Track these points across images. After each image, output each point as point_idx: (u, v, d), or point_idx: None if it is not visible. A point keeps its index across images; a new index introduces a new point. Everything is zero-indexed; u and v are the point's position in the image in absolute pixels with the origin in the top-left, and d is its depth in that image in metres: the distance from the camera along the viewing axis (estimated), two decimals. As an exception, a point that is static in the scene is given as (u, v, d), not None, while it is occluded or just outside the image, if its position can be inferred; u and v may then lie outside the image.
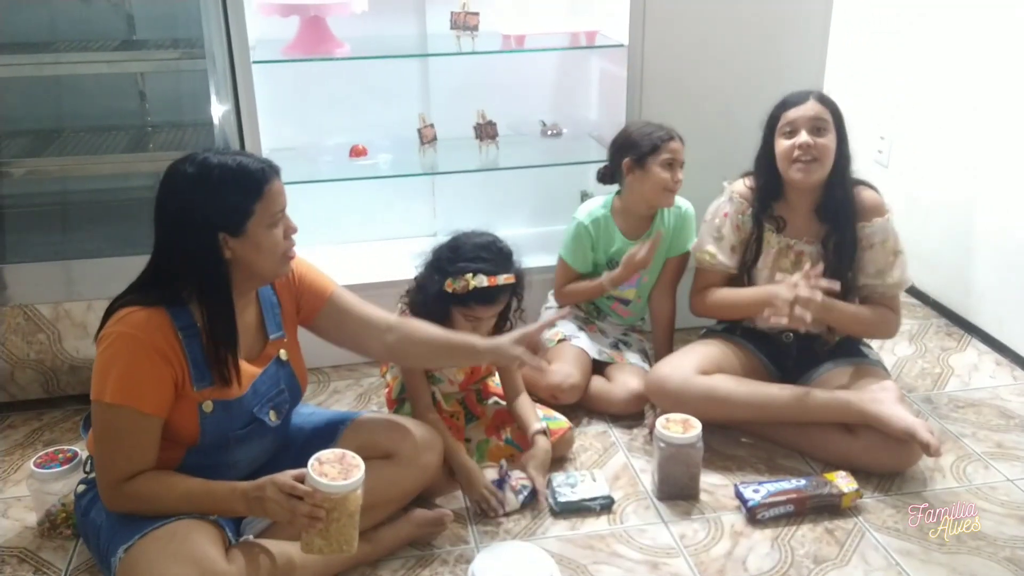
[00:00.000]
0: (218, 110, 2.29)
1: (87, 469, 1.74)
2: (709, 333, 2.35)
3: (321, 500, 1.49)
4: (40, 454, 1.90)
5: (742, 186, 2.24)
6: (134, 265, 2.35)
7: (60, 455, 1.89)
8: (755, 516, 1.93)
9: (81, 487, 1.72)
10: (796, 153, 2.08)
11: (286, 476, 1.53)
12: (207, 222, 1.57)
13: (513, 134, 2.80)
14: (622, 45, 2.52)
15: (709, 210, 2.28)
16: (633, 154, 2.29)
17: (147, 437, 1.57)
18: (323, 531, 1.51)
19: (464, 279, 1.92)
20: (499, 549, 1.79)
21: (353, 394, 2.44)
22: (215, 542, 1.56)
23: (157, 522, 1.56)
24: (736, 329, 2.29)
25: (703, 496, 2.02)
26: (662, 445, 1.98)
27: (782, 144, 2.11)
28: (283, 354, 1.77)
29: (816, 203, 2.16)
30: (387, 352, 1.88)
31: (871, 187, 2.20)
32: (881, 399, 2.04)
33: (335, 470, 1.51)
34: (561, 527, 1.93)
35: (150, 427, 1.57)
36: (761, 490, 1.97)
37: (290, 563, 1.64)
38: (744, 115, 2.25)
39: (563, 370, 2.29)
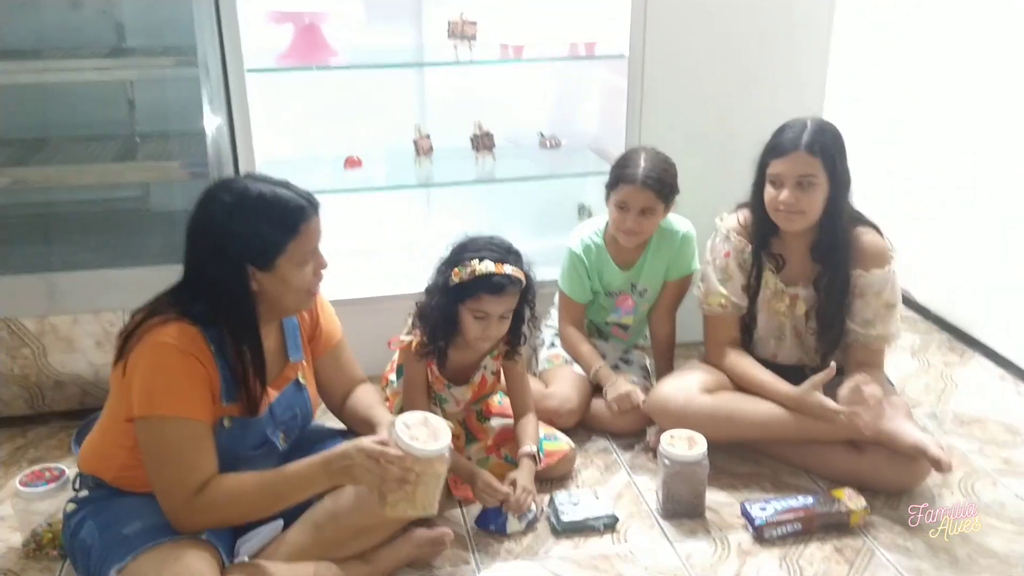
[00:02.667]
0: (211, 120, 2.25)
1: (76, 487, 1.67)
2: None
3: (412, 463, 1.51)
4: (26, 472, 1.83)
5: (736, 223, 2.17)
6: (122, 278, 2.30)
7: (47, 473, 1.83)
8: (762, 535, 1.89)
9: (71, 506, 1.65)
10: (779, 206, 2.03)
11: (371, 441, 1.55)
12: (237, 253, 1.54)
13: (511, 145, 2.77)
14: (622, 56, 2.49)
15: (707, 252, 2.21)
16: (607, 184, 2.28)
17: (206, 443, 1.54)
18: (408, 494, 1.53)
19: (470, 265, 1.88)
20: (501, 570, 1.73)
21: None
22: (211, 562, 1.50)
23: (150, 542, 1.50)
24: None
25: (709, 514, 1.97)
26: (667, 462, 1.94)
27: (769, 192, 2.05)
28: (301, 377, 1.74)
29: (811, 243, 2.10)
30: (336, 413, 1.90)
31: (875, 228, 2.11)
32: (889, 415, 2.00)
33: (423, 433, 1.54)
34: (564, 547, 1.87)
35: (205, 433, 1.54)
36: (768, 508, 1.92)
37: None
38: (746, 126, 2.22)
39: (561, 394, 2.25)
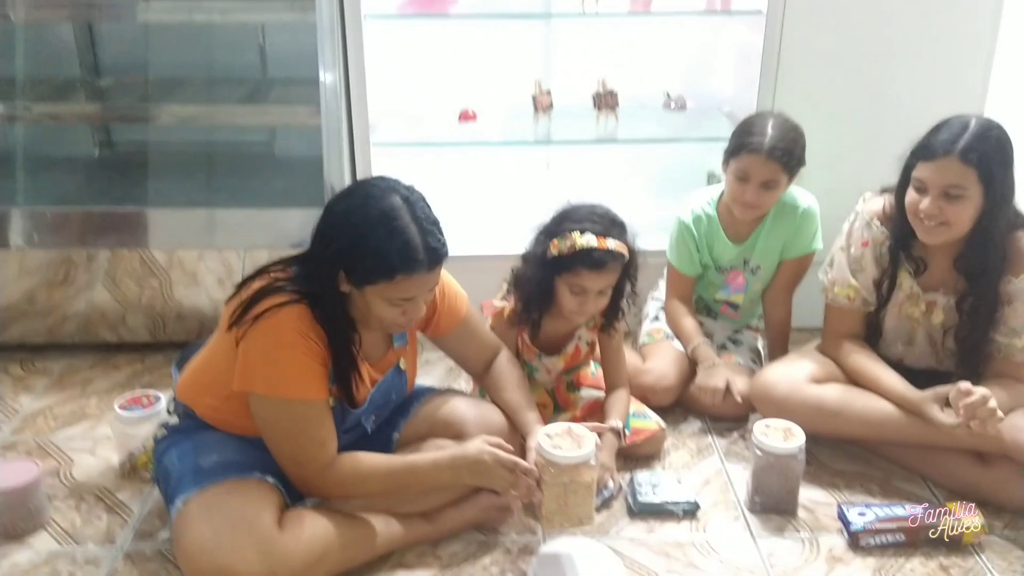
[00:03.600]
0: (326, 66, 2.25)
1: (170, 410, 1.74)
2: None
3: (557, 473, 1.52)
4: (126, 396, 1.92)
5: (881, 209, 1.93)
6: (247, 218, 2.32)
7: (144, 399, 1.91)
8: (858, 542, 1.73)
9: (161, 431, 1.71)
10: (921, 215, 1.80)
11: (500, 452, 1.57)
12: (337, 255, 1.51)
13: (634, 105, 2.64)
14: (759, 12, 2.30)
15: (842, 236, 1.99)
16: (726, 150, 2.10)
17: (328, 420, 1.57)
18: (561, 505, 1.54)
19: (570, 237, 1.78)
20: (565, 545, 1.67)
21: (444, 367, 2.37)
22: (271, 506, 1.52)
23: (219, 477, 1.54)
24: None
25: (801, 513, 1.83)
26: (759, 453, 1.80)
27: (911, 196, 1.81)
28: (403, 363, 1.74)
29: (956, 254, 1.86)
30: (477, 381, 1.94)
31: None
32: (1022, 427, 1.78)
33: (567, 443, 1.54)
34: (637, 529, 1.79)
35: (326, 410, 1.57)
36: (868, 514, 1.75)
37: (351, 535, 1.58)
38: (894, 96, 2.01)
39: (658, 370, 2.14)
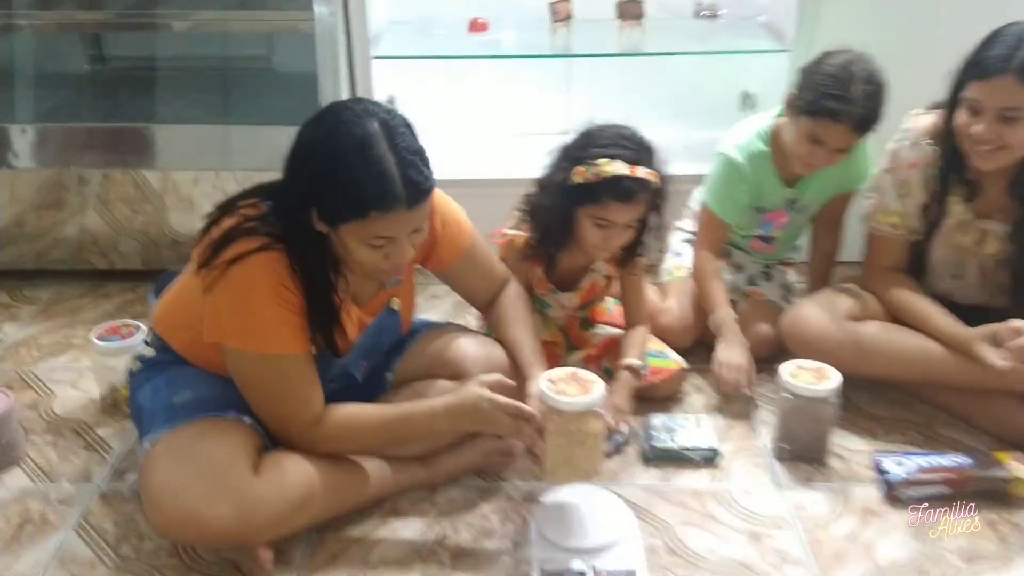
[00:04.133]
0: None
1: (148, 341, 1.60)
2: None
3: (561, 422, 1.37)
4: (105, 325, 1.80)
5: (931, 125, 1.72)
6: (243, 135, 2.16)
7: (124, 328, 1.78)
8: (896, 494, 1.57)
9: (137, 364, 1.58)
10: (973, 139, 1.59)
11: (501, 397, 1.40)
12: (307, 188, 1.33)
13: (662, 15, 2.41)
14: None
15: (887, 158, 1.77)
16: (798, 94, 1.78)
17: (311, 374, 1.42)
18: (565, 457, 1.39)
19: (596, 164, 1.59)
20: (572, 493, 1.53)
21: (452, 301, 2.21)
22: (247, 448, 1.39)
23: (192, 416, 1.41)
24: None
25: (832, 461, 1.67)
26: (787, 396, 1.64)
27: (962, 117, 1.61)
28: (396, 303, 1.57)
29: (1013, 177, 1.66)
30: (483, 315, 1.76)
31: None
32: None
33: (572, 388, 1.38)
34: (651, 476, 1.64)
35: (308, 363, 1.42)
36: (908, 463, 1.59)
37: (337, 480, 1.45)
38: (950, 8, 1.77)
39: (678, 310, 1.96)
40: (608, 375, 1.78)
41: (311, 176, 1.32)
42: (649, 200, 1.65)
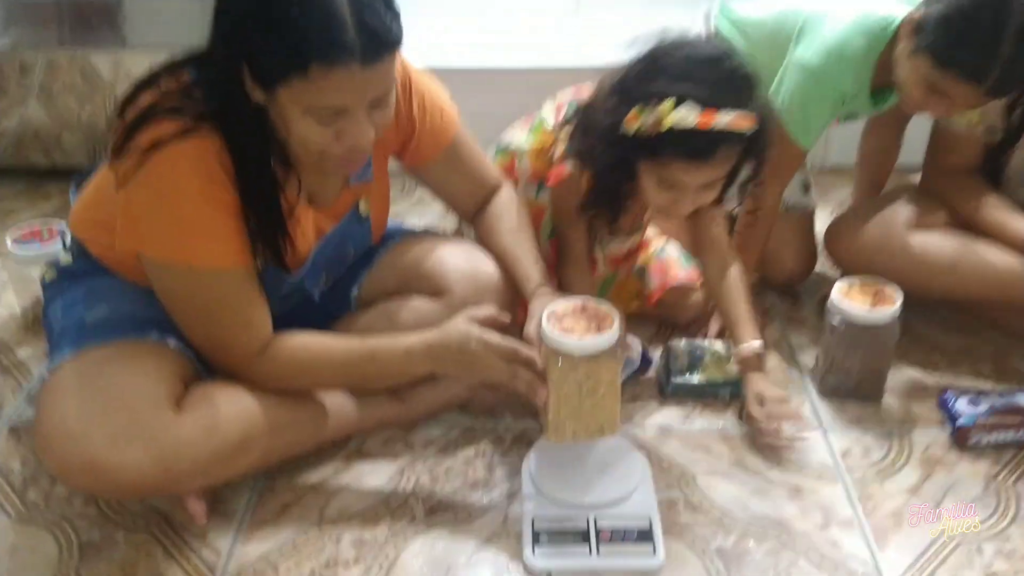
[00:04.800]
0: None
1: (66, 245, 1.32)
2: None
3: (568, 367, 1.08)
4: (24, 227, 1.52)
5: None
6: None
7: (46, 231, 1.51)
8: (966, 440, 1.30)
9: (51, 273, 1.31)
10: None
11: (494, 336, 1.11)
12: (231, 36, 1.02)
13: None
14: None
15: None
16: (924, 24, 1.29)
17: (254, 292, 1.14)
18: (573, 409, 1.11)
19: (657, 110, 1.14)
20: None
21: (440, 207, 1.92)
22: (170, 377, 1.12)
23: (106, 337, 1.14)
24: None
25: (887, 400, 1.40)
26: (837, 321, 1.35)
27: None
28: (363, 206, 1.27)
29: None
30: (469, 225, 1.42)
31: None
32: None
33: (582, 325, 1.10)
34: (669, 415, 1.37)
35: (250, 279, 1.13)
36: (981, 404, 1.32)
37: (287, 417, 1.19)
38: None
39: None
40: (640, 279, 1.49)
41: (240, 21, 1.00)
42: (737, 153, 1.19)
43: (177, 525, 1.18)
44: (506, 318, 1.18)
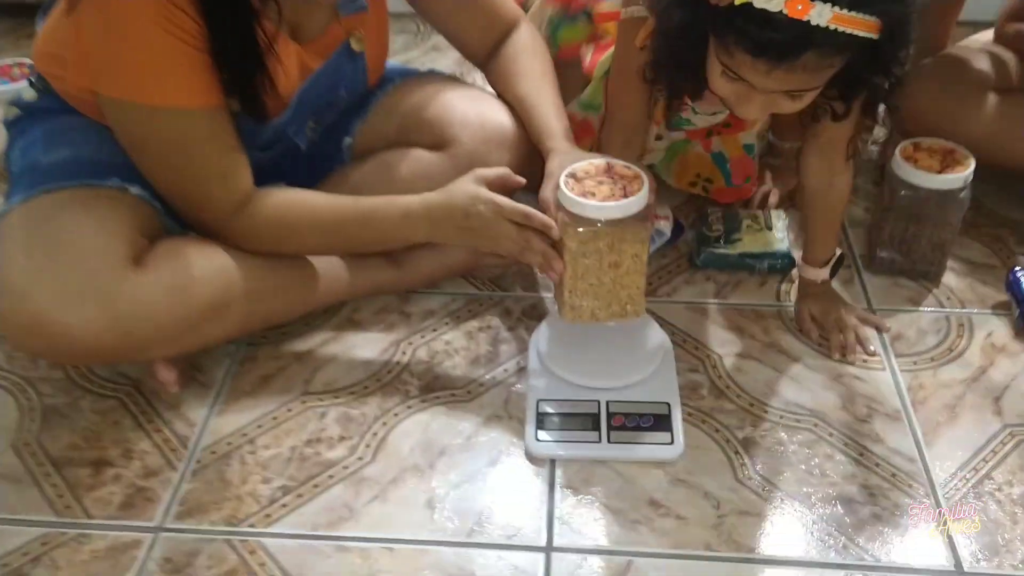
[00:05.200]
0: None
1: (32, 81, 1.18)
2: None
3: (588, 237, 0.94)
4: (-9, 66, 1.38)
5: None
6: None
7: (16, 68, 1.36)
8: (1034, 326, 1.15)
9: (13, 111, 1.16)
10: None
11: (505, 200, 0.97)
12: None
13: None
14: None
15: None
16: None
17: (227, 136, 0.99)
18: (592, 285, 0.97)
19: None
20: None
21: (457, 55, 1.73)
22: (129, 230, 0.98)
23: (62, 182, 1.00)
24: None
25: (947, 279, 1.24)
26: (898, 187, 1.18)
27: None
28: (356, 41, 1.10)
29: None
30: (482, 68, 1.24)
31: None
32: None
33: (604, 188, 0.94)
34: (697, 290, 1.23)
35: (224, 120, 0.98)
36: (1056, 286, 1.16)
37: (270, 280, 1.06)
38: None
39: None
40: (718, 164, 1.31)
41: None
42: (837, 64, 0.88)
43: (148, 393, 1.08)
44: (520, 180, 1.03)
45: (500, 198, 0.98)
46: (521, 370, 1.10)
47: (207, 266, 1.00)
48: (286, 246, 1.06)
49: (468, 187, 0.99)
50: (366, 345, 1.14)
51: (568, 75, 1.22)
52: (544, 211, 0.99)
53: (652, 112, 1.12)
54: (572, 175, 0.97)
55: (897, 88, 0.94)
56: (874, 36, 0.84)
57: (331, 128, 1.19)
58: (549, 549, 0.91)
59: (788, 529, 0.92)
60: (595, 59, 1.21)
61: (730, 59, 0.89)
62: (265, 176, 1.07)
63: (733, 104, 0.95)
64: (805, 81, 0.88)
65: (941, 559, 0.90)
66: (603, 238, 0.94)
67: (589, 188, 0.95)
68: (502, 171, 1.01)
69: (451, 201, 0.99)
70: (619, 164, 0.98)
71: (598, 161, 0.99)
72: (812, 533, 0.92)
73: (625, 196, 0.93)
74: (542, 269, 0.99)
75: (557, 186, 0.96)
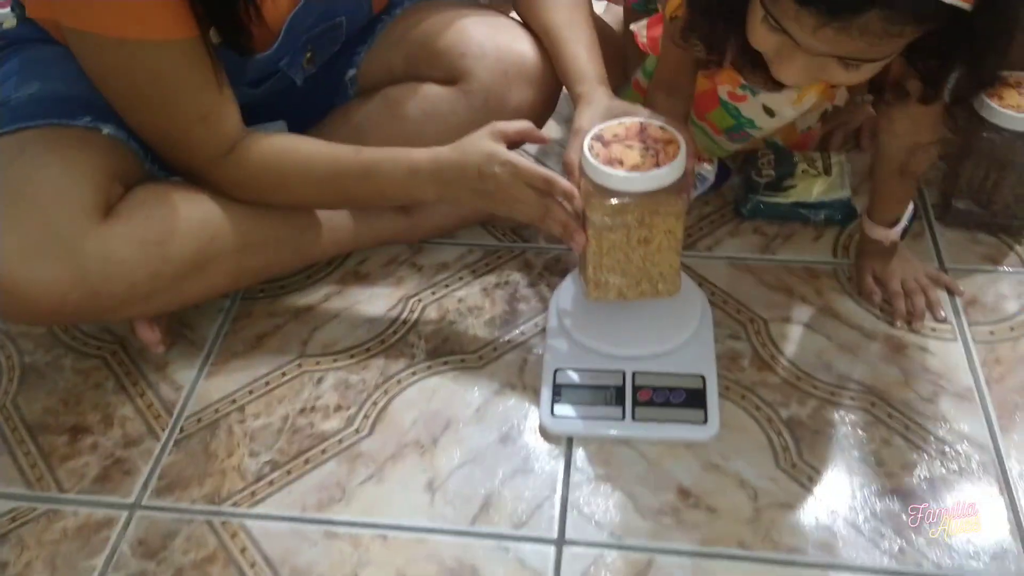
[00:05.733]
0: None
1: (13, 8, 1.07)
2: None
3: (616, 209, 0.82)
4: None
5: None
6: None
7: (3, -2, 1.25)
8: None
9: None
10: None
11: (523, 160, 0.85)
12: None
13: None
14: None
15: None
16: None
17: (207, 71, 0.87)
18: (619, 261, 0.86)
19: None
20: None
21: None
22: (96, 176, 0.88)
23: (30, 121, 0.90)
24: None
25: (1035, 234, 1.09)
26: (981, 126, 1.02)
27: None
28: None
29: None
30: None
31: None
32: None
33: (635, 152, 0.83)
34: (743, 243, 1.09)
35: (198, 51, 0.86)
36: None
37: (262, 230, 0.96)
38: None
39: None
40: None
41: None
42: (908, 32, 0.68)
43: (134, 352, 1.00)
44: (544, 137, 0.91)
45: (519, 160, 0.85)
46: (540, 333, 0.99)
47: (189, 216, 0.90)
48: (277, 197, 0.95)
49: (484, 144, 0.87)
50: (371, 301, 1.04)
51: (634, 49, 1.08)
52: (569, 175, 0.87)
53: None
54: (599, 137, 0.85)
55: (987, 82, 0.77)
56: (966, 6, 0.66)
57: (332, 61, 1.06)
58: (561, 542, 0.81)
59: (836, 527, 0.81)
60: (651, 33, 1.05)
61: (773, 4, 0.72)
62: (258, 116, 0.96)
63: (771, 61, 0.78)
64: (863, 49, 0.69)
65: (1011, 567, 0.78)
66: (631, 212, 0.82)
67: (616, 154, 0.83)
68: (523, 125, 0.89)
69: (464, 160, 0.87)
70: (654, 125, 0.86)
71: (630, 121, 0.86)
72: (863, 533, 0.80)
73: (658, 164, 0.81)
74: (564, 241, 0.87)
75: (583, 146, 0.84)
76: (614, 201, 0.82)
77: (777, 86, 0.82)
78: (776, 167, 1.13)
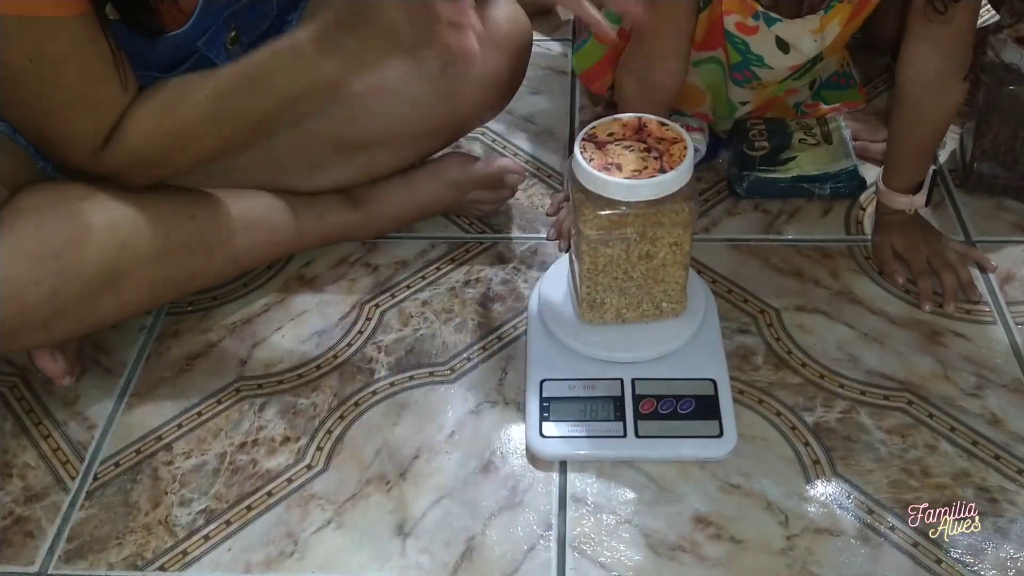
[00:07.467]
0: None
1: None
2: None
3: (613, 222, 0.71)
4: None
5: None
6: None
7: None
8: None
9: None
10: None
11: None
12: None
13: None
14: None
15: None
16: None
17: (96, 54, 0.71)
18: (618, 279, 0.75)
19: None
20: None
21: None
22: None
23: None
24: None
25: (1065, 198, 0.97)
26: (1008, 78, 0.90)
27: None
28: None
29: None
30: None
31: None
32: None
33: (632, 156, 0.71)
34: (743, 222, 0.96)
35: (88, 30, 0.70)
36: None
37: (175, 233, 0.80)
38: None
39: None
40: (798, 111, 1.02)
41: None
42: None
43: (37, 386, 0.83)
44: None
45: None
46: (519, 338, 0.85)
47: (91, 222, 0.74)
48: (173, 160, 0.78)
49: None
50: (320, 310, 0.89)
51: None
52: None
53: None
54: (591, 138, 0.73)
55: None
56: None
57: (262, 39, 0.91)
58: (560, 591, 0.67)
59: (882, 554, 0.68)
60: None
61: None
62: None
63: None
64: None
65: (1094, 590, 0.66)
66: (631, 224, 0.71)
67: (613, 157, 0.71)
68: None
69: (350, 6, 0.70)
70: (655, 121, 0.74)
71: (626, 118, 0.75)
72: (913, 557, 0.68)
73: (662, 167, 0.70)
74: (553, 237, 0.73)
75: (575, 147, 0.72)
76: (611, 212, 0.70)
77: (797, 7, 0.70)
78: (770, 138, 1.00)
